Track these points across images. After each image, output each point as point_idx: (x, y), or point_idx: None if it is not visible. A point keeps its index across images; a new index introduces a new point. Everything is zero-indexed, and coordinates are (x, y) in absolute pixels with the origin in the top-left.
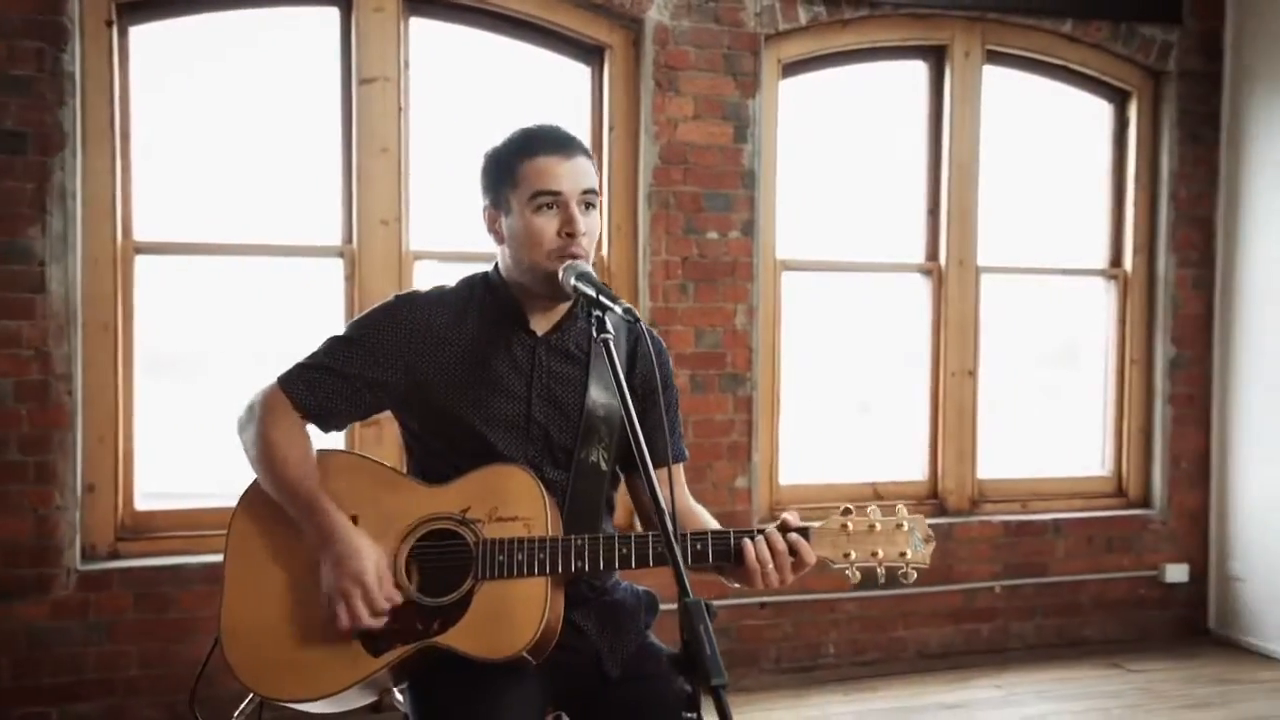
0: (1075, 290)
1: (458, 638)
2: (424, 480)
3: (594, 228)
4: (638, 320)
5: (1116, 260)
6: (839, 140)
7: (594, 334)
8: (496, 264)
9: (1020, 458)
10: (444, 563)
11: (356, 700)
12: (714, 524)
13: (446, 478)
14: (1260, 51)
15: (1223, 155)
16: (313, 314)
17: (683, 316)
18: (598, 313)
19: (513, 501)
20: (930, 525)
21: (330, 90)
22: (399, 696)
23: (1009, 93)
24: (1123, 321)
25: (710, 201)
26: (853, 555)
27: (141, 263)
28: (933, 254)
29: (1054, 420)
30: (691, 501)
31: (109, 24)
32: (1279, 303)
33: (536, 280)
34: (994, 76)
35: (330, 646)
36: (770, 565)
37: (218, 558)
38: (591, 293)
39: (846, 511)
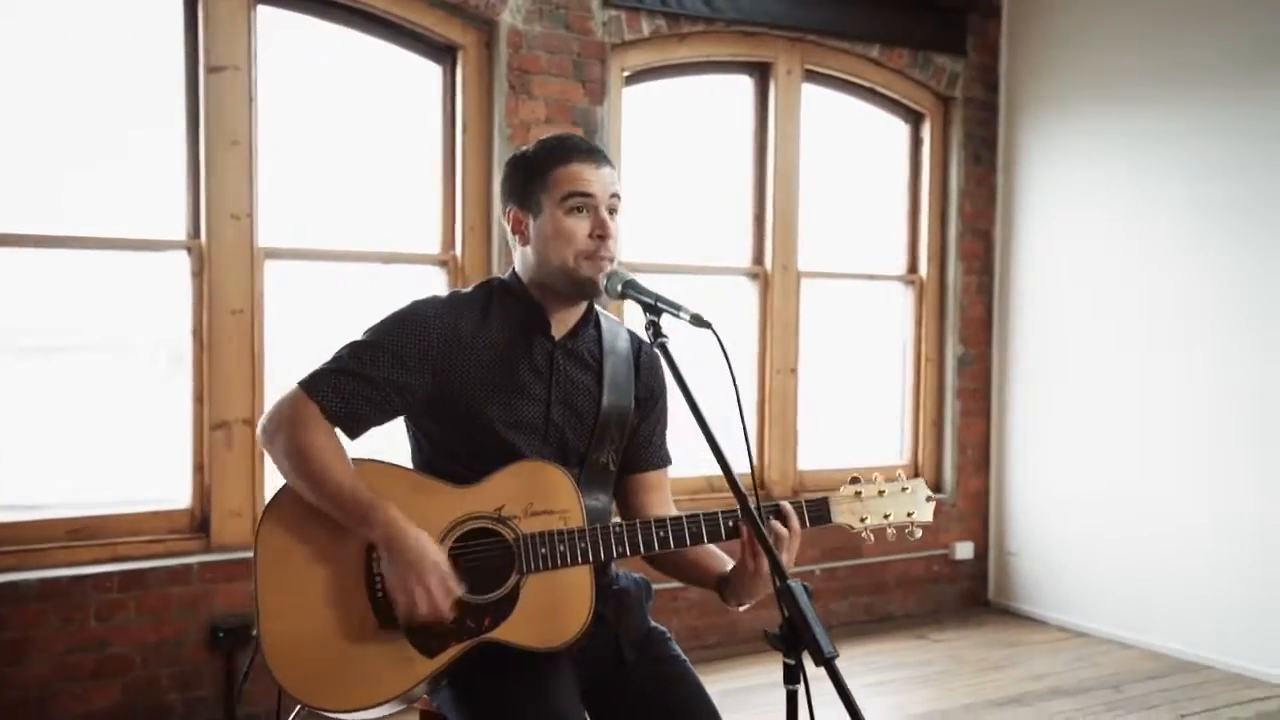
0: (879, 294)
1: (512, 631)
2: (450, 481)
3: (618, 231)
4: (709, 325)
5: (913, 267)
6: (676, 148)
7: (650, 338)
8: (513, 269)
9: (833, 449)
10: (484, 561)
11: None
12: None
13: (464, 478)
14: (1026, 84)
15: (999, 175)
16: (158, 311)
17: None
18: (652, 317)
19: (548, 496)
20: None
21: (175, 77)
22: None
23: (825, 110)
24: (919, 323)
25: None
26: (868, 519)
27: None
28: (759, 259)
29: (861, 413)
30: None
31: None
32: (1045, 308)
33: (564, 280)
34: (812, 94)
35: (384, 652)
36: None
37: (54, 573)
38: (649, 300)
39: (855, 480)
